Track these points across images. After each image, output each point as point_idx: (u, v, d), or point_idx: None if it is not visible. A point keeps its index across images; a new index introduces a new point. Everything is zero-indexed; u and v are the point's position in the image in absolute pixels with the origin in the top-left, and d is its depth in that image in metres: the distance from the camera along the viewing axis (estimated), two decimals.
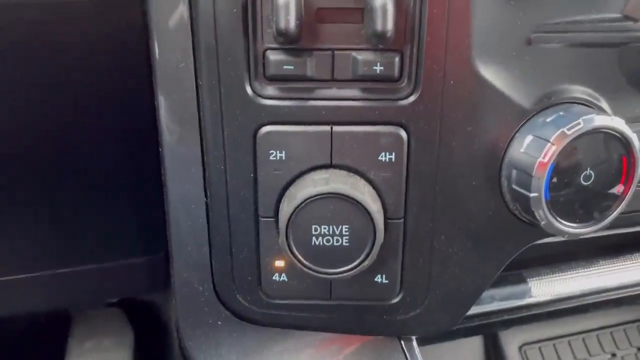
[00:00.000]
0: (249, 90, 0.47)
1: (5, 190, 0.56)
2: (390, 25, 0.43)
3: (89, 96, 0.53)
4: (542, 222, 0.48)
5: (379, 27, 0.43)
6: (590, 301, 0.74)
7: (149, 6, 0.47)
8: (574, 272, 0.73)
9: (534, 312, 0.72)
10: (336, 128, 0.48)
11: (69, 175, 0.57)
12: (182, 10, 0.46)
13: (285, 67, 0.46)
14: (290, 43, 0.45)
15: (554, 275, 0.73)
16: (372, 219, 0.47)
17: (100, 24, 0.50)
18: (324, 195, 0.46)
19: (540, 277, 0.72)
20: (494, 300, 0.70)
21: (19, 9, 0.48)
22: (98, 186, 0.58)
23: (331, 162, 0.49)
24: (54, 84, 0.52)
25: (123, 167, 0.58)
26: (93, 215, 0.60)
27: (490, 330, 0.80)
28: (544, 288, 0.72)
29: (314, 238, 0.48)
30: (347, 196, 0.46)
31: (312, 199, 0.47)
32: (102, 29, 0.50)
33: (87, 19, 0.50)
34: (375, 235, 0.48)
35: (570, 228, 0.49)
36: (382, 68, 0.46)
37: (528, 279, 0.72)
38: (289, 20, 0.42)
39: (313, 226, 0.48)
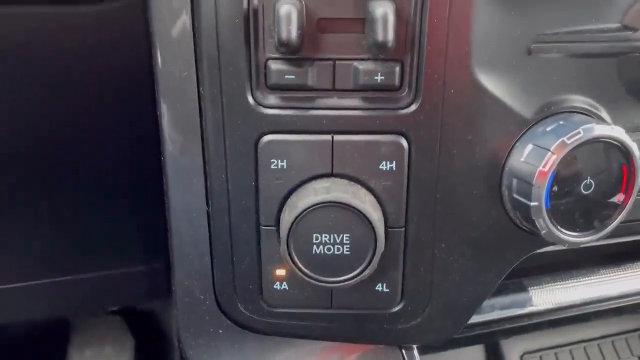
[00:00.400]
0: (250, 99, 0.47)
1: (7, 199, 0.56)
2: (391, 35, 0.43)
3: (91, 104, 0.54)
4: (543, 231, 0.48)
5: (380, 37, 0.43)
6: (592, 310, 0.73)
7: (152, 16, 0.47)
8: (575, 280, 0.73)
9: (535, 320, 0.72)
10: (337, 137, 0.48)
11: (69, 183, 0.57)
12: (185, 20, 0.47)
13: (286, 76, 0.46)
14: (292, 53, 0.45)
15: (555, 283, 0.73)
16: (373, 228, 0.47)
17: (104, 33, 0.51)
18: (325, 204, 0.47)
19: (541, 286, 0.72)
20: (494, 309, 0.69)
21: (23, 18, 0.48)
22: (99, 194, 0.58)
23: (332, 171, 0.49)
24: (56, 92, 0.52)
25: (124, 175, 0.59)
26: (94, 224, 0.60)
27: (491, 339, 0.80)
28: (545, 297, 0.72)
29: (314, 247, 0.48)
30: (348, 205, 0.47)
31: (313, 207, 0.47)
32: (106, 38, 0.51)
33: (91, 29, 0.50)
34: (376, 244, 0.48)
35: (570, 237, 0.49)
36: (382, 77, 0.46)
37: (529, 288, 0.72)
38: (291, 30, 0.43)
39: (314, 235, 0.48)
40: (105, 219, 0.60)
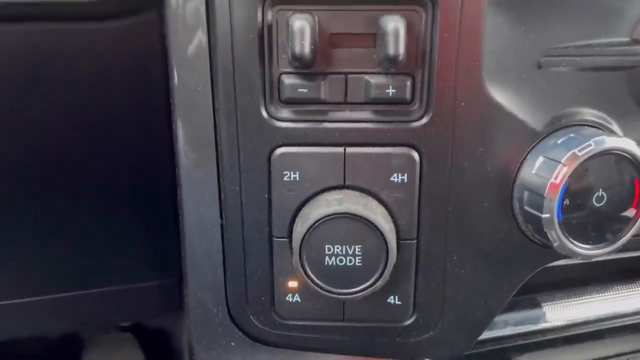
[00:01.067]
0: (264, 113, 0.48)
1: (18, 213, 0.56)
2: (402, 49, 0.44)
3: (105, 117, 0.55)
4: (555, 244, 0.48)
5: (391, 51, 0.44)
6: (606, 327, 0.73)
7: (169, 31, 0.49)
8: (589, 297, 0.73)
9: (548, 337, 0.71)
10: (349, 149, 0.49)
11: (81, 197, 0.57)
12: (201, 35, 0.48)
13: (299, 90, 0.47)
14: (305, 67, 0.46)
15: (569, 300, 0.72)
16: (384, 239, 0.47)
17: (120, 48, 0.52)
18: (337, 216, 0.47)
19: (554, 302, 0.72)
20: (507, 325, 0.69)
21: (42, 34, 0.50)
22: (111, 208, 0.59)
23: (344, 183, 0.49)
24: (71, 106, 0.53)
25: (137, 188, 0.59)
26: (105, 238, 0.60)
27: (503, 356, 0.79)
28: (559, 313, 0.71)
29: (327, 258, 0.48)
30: (360, 216, 0.47)
31: (326, 219, 0.47)
32: (122, 53, 0.52)
33: (107, 44, 0.51)
34: (388, 256, 0.48)
35: (583, 249, 0.49)
36: (394, 91, 0.47)
37: (542, 304, 0.71)
38: (304, 45, 0.44)
39: (326, 246, 0.48)
40: (117, 234, 0.61)
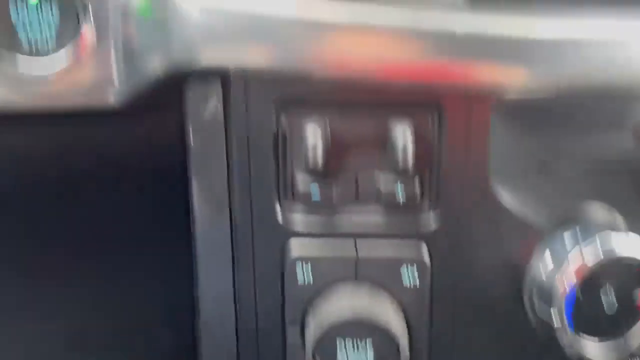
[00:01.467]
0: (277, 208, 0.50)
1: (28, 276, 0.57)
2: (410, 162, 0.46)
3: (120, 187, 0.56)
4: (567, 349, 0.48)
5: (400, 164, 0.46)
6: None
7: (188, 130, 0.50)
8: None
9: None
10: (360, 244, 0.50)
11: (95, 259, 0.58)
12: (219, 136, 0.50)
13: (312, 195, 0.49)
14: (317, 174, 0.48)
15: None
16: (395, 340, 0.48)
17: (139, 147, 0.53)
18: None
19: None
20: None
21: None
22: (125, 277, 0.59)
23: (356, 275, 0.50)
24: (91, 196, 0.55)
25: (151, 259, 0.60)
26: (118, 305, 0.61)
27: None
28: None
29: (339, 355, 0.49)
30: (373, 323, 0.48)
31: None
32: (141, 151, 0.54)
33: (126, 143, 0.53)
34: (399, 355, 0.48)
35: (597, 354, 0.49)
36: (403, 189, 0.48)
37: None
38: (317, 158, 0.46)
39: (338, 339, 0.49)
40: (130, 301, 0.61)
